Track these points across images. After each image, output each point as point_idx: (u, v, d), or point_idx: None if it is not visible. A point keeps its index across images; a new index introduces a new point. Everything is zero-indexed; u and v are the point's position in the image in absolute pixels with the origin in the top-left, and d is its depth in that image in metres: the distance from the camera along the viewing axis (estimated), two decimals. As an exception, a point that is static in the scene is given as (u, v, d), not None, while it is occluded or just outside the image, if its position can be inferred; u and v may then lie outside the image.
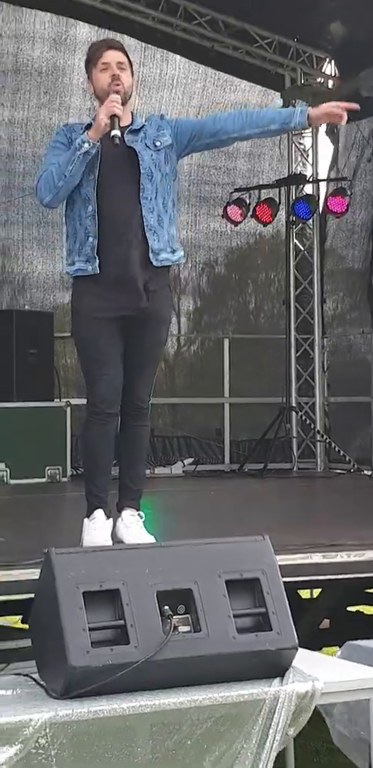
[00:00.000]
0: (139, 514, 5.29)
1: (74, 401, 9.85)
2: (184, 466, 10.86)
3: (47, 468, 9.58)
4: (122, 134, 5.03)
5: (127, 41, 10.42)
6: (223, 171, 11.44)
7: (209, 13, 10.76)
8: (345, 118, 5.05)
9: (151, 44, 10.76)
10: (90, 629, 3.79)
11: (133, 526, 5.23)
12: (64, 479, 9.64)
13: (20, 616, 5.74)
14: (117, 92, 5.01)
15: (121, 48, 5.22)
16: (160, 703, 3.69)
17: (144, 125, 5.18)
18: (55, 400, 9.94)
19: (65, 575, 3.86)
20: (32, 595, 4.25)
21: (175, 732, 3.66)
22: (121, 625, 3.85)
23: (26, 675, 3.99)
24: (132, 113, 5.23)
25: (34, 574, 4.45)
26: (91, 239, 5.07)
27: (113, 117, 4.94)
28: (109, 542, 5.08)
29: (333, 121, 5.23)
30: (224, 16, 10.79)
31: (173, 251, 5.18)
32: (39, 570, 4.10)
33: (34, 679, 3.92)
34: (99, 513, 5.19)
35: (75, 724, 3.57)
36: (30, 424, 9.53)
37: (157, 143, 5.12)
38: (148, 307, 5.13)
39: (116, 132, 4.92)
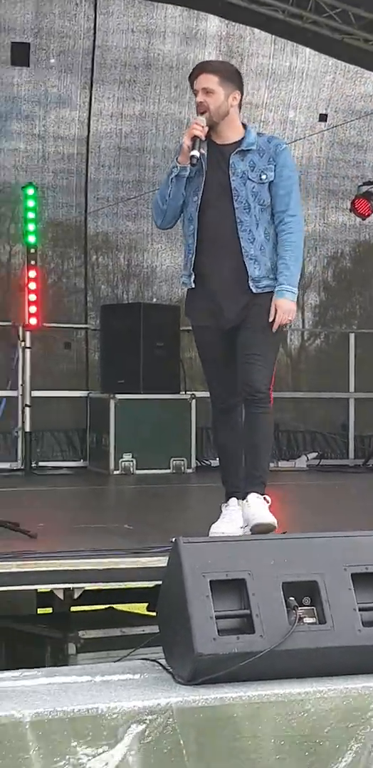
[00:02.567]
0: (264, 498, 5.32)
1: (199, 394, 9.89)
2: (308, 460, 10.83)
3: (172, 459, 9.67)
4: (231, 152, 5.23)
5: (257, 34, 10.44)
6: (352, 164, 11.34)
7: (340, 5, 10.66)
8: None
9: (280, 37, 10.73)
10: (216, 617, 3.83)
11: (257, 506, 5.25)
12: (189, 470, 9.71)
13: (146, 604, 5.83)
14: (202, 112, 5.21)
15: (212, 70, 5.33)
16: (285, 692, 3.71)
17: (251, 149, 5.26)
18: (181, 392, 10.02)
19: (192, 564, 3.90)
20: (158, 583, 4.32)
21: (301, 722, 3.67)
22: (246, 615, 3.88)
23: (154, 660, 4.05)
24: (245, 126, 5.35)
25: (160, 561, 4.53)
26: (190, 256, 5.33)
27: (195, 138, 5.15)
28: (239, 529, 5.19)
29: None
30: (355, 8, 10.68)
31: (276, 278, 5.28)
32: (165, 558, 4.16)
33: (162, 665, 3.98)
34: (232, 500, 5.38)
35: (202, 711, 3.61)
36: (156, 416, 9.63)
37: (263, 177, 5.24)
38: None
39: (194, 152, 5.14)
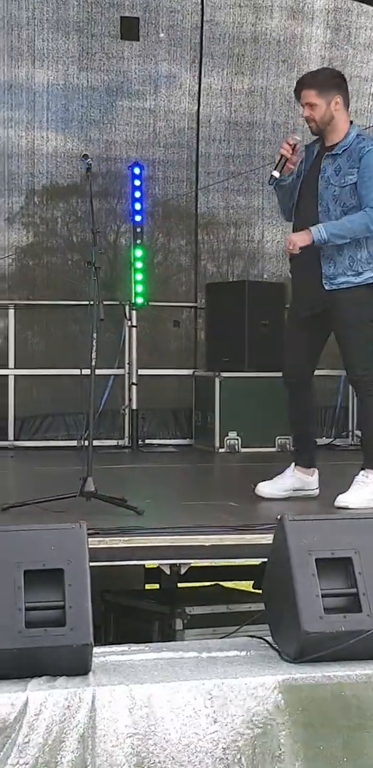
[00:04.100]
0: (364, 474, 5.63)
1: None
2: None
3: (277, 437, 9.62)
4: (323, 155, 5.58)
5: (365, 6, 10.28)
6: None
7: None
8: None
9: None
10: (323, 596, 3.81)
11: (354, 485, 5.60)
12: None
13: (252, 582, 5.82)
14: (288, 144, 5.59)
15: (309, 84, 5.63)
16: (394, 672, 3.68)
17: (340, 153, 5.56)
18: (286, 370, 9.95)
19: (298, 542, 3.90)
20: (263, 560, 4.31)
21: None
22: (353, 593, 3.86)
23: (260, 638, 4.05)
24: (349, 127, 5.62)
25: (265, 539, 4.52)
26: None
27: (282, 156, 5.60)
28: (280, 492, 5.86)
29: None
30: None
31: (358, 273, 5.54)
32: (270, 535, 4.16)
33: (268, 642, 3.98)
34: (290, 466, 5.94)
35: (308, 688, 3.60)
36: (261, 394, 9.57)
37: (343, 181, 5.52)
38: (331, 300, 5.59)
39: (274, 173, 5.61)
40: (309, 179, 5.60)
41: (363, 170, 5.47)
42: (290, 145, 5.58)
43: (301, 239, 5.46)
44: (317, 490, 5.90)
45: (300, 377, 5.84)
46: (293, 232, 5.65)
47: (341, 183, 5.51)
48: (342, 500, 5.45)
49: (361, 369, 5.62)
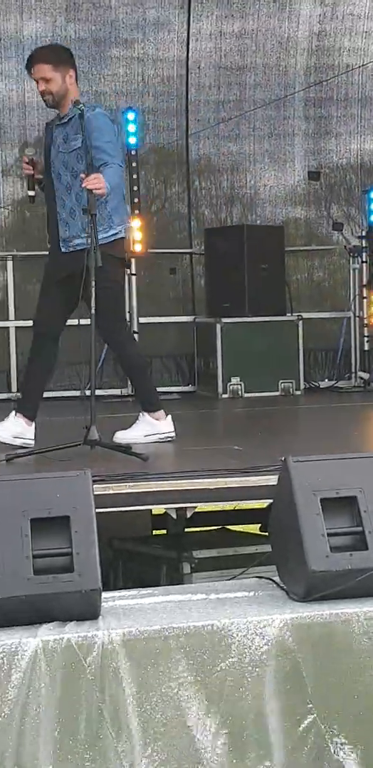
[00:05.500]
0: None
1: (306, 315, 9.83)
2: None
3: (280, 381, 9.63)
4: (54, 125, 5.93)
5: None
6: None
7: None
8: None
9: None
10: (328, 535, 3.83)
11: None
12: (298, 392, 9.67)
13: (259, 525, 5.86)
14: (25, 162, 5.93)
15: (44, 60, 5.84)
16: (400, 608, 3.70)
17: (65, 122, 5.85)
18: (287, 314, 9.95)
19: (302, 482, 3.91)
20: (269, 502, 4.33)
21: None
22: (359, 532, 3.87)
23: (268, 579, 4.08)
24: (75, 102, 5.71)
25: (269, 480, 4.54)
26: None
27: (26, 176, 5.98)
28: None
29: None
30: None
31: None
32: (275, 477, 4.17)
33: (276, 583, 4.00)
34: None
35: (317, 626, 3.63)
36: (263, 338, 9.58)
37: (69, 147, 5.81)
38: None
39: (30, 193, 6.02)
40: (46, 152, 5.92)
41: (89, 134, 5.63)
42: (27, 162, 5.89)
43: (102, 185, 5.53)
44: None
45: (50, 330, 5.93)
46: (46, 201, 5.94)
47: (68, 149, 5.78)
48: (119, 435, 5.90)
49: (109, 331, 5.87)
